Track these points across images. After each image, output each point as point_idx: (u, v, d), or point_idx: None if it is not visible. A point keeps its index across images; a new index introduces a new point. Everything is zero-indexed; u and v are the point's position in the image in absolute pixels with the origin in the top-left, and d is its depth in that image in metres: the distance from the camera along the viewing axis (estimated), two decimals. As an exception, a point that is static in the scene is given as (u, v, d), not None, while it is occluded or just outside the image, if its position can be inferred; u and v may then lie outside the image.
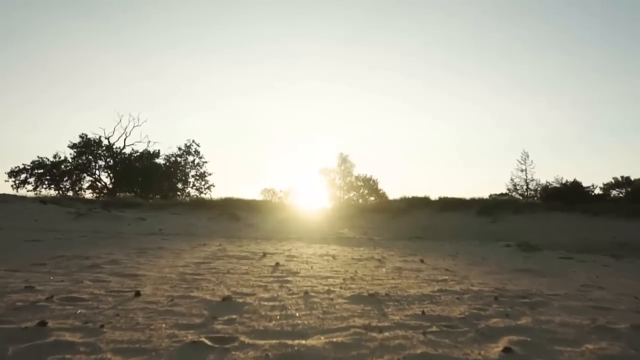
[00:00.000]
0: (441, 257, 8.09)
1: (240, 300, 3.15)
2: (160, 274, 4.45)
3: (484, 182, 58.14)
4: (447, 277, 4.92)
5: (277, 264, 5.64)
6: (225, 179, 50.84)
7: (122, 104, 73.89)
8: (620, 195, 32.05)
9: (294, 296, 3.41)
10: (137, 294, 3.23)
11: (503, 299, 3.48)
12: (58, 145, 59.29)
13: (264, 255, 6.89)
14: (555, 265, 7.31)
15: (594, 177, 64.29)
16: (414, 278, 4.80)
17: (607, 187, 33.76)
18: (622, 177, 34.19)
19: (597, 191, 31.91)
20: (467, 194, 22.93)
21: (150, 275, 4.32)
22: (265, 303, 3.13)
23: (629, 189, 31.70)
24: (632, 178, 32.91)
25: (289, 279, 4.38)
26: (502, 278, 5.18)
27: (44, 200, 18.49)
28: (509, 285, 4.39)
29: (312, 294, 3.52)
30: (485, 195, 25.12)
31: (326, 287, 3.84)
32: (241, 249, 8.35)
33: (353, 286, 4.01)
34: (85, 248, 6.98)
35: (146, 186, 32.93)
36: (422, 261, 6.87)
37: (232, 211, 17.97)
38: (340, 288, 3.87)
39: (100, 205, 17.99)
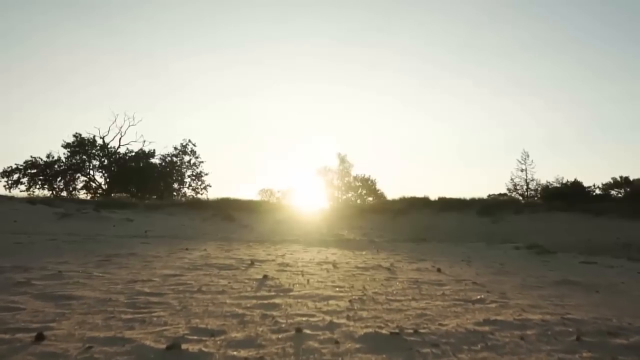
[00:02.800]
0: (456, 263, 7.06)
1: (196, 349, 2.02)
2: (105, 294, 3.32)
3: (482, 183, 57.18)
4: (481, 296, 3.82)
5: (266, 276, 4.54)
6: (222, 180, 49.55)
7: (118, 104, 72.49)
8: (619, 195, 31.11)
9: (280, 336, 2.29)
10: (39, 337, 2.11)
11: (587, 338, 2.37)
12: (52, 145, 58.01)
13: (252, 263, 5.78)
14: (588, 273, 6.32)
15: (594, 178, 63.41)
16: (440, 297, 3.70)
17: (606, 188, 32.85)
18: (620, 177, 33.29)
19: (598, 191, 30.96)
20: (466, 194, 21.93)
21: (90, 297, 3.20)
22: (235, 353, 2.00)
23: (628, 189, 30.81)
24: (631, 178, 32.08)
25: (277, 301, 3.27)
26: (549, 295, 4.10)
27: (32, 201, 17.44)
28: (571, 310, 3.30)
29: (308, 331, 2.41)
30: (484, 196, 24.25)
31: (328, 318, 2.72)
32: (228, 254, 7.23)
33: (364, 314, 2.90)
34: (39, 256, 5.83)
35: (142, 186, 31.80)
36: (438, 270, 5.80)
37: (227, 212, 17.02)
38: (347, 318, 2.75)
39: (93, 206, 16.99)
